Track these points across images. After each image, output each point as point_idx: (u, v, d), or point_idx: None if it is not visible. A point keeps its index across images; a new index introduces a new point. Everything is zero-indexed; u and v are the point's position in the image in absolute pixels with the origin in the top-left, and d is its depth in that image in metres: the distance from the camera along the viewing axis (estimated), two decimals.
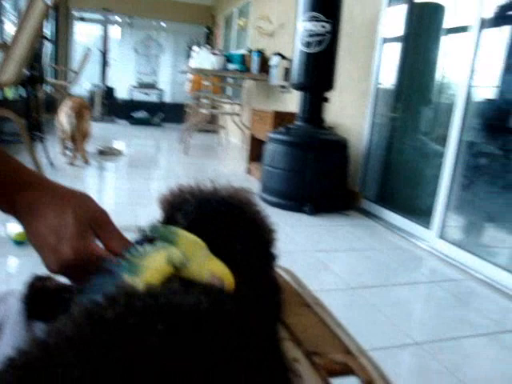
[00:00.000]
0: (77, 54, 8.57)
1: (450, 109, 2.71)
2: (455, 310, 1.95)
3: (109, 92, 8.83)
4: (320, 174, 3.13)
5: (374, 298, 1.93)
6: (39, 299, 0.56)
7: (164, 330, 0.35)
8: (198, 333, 0.37)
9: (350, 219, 3.18)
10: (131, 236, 0.54)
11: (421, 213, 2.97)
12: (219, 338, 0.38)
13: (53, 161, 3.89)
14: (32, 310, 0.57)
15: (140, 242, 0.52)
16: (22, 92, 4.55)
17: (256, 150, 4.46)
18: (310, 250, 2.45)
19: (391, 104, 3.48)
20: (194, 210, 0.61)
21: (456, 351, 1.59)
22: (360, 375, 0.48)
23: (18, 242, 2.07)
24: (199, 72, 5.88)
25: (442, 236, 2.67)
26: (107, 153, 4.81)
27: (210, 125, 6.93)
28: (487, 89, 2.60)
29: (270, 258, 0.61)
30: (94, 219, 0.52)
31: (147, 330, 0.35)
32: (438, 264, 2.49)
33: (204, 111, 5.90)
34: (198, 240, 0.52)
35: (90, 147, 4.62)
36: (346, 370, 0.49)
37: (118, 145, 5.57)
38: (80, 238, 0.49)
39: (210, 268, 0.48)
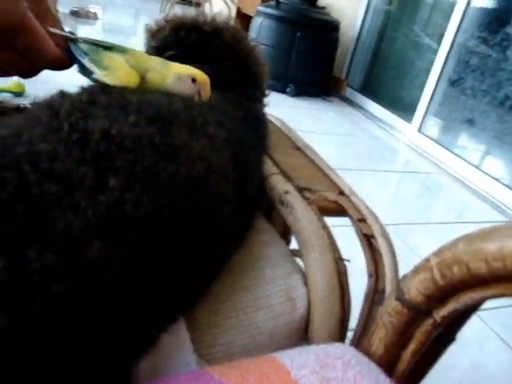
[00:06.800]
0: None
1: (450, 6, 2.56)
2: (424, 199, 2.01)
3: None
4: (307, 54, 2.98)
5: (349, 180, 1.95)
6: None
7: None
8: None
9: (332, 105, 3.12)
10: None
11: (403, 106, 2.93)
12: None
13: None
14: None
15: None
16: None
17: (242, 26, 4.20)
18: None
19: None
20: (185, 36, 0.55)
21: (420, 234, 1.67)
22: (352, 214, 0.46)
23: None
24: None
25: (421, 130, 2.67)
26: (81, 15, 4.43)
27: None
28: None
29: (261, 91, 0.57)
30: None
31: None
32: (413, 157, 2.51)
33: None
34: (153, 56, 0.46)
35: (62, 7, 4.25)
36: (337, 210, 0.48)
37: (93, 8, 5.15)
38: None
39: (175, 71, 0.42)
